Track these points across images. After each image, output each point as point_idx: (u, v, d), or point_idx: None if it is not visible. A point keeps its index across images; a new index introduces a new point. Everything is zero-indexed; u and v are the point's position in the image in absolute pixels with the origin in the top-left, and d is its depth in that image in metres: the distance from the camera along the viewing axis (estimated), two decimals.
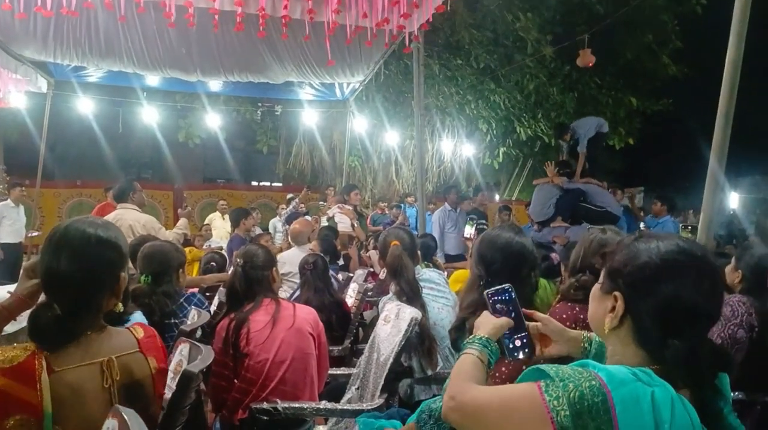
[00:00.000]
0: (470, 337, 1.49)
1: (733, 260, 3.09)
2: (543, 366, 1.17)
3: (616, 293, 1.23)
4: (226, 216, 9.43)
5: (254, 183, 18.52)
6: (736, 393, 2.81)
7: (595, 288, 1.33)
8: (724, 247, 8.81)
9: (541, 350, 1.55)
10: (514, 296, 1.52)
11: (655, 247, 1.21)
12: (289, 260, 5.02)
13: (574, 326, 2.07)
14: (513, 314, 1.50)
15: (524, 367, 2.02)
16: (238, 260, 2.80)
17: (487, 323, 1.51)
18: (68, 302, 1.49)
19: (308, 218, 7.48)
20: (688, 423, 1.08)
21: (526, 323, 1.54)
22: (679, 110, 13.74)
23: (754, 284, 2.94)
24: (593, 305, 1.34)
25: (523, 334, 1.50)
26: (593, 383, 1.08)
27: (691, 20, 12.32)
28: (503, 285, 1.55)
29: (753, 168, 20.50)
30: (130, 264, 1.89)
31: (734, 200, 18.61)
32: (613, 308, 1.23)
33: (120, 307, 1.61)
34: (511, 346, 1.50)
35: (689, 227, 8.21)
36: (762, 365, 2.86)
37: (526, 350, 1.51)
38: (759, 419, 2.84)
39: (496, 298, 1.53)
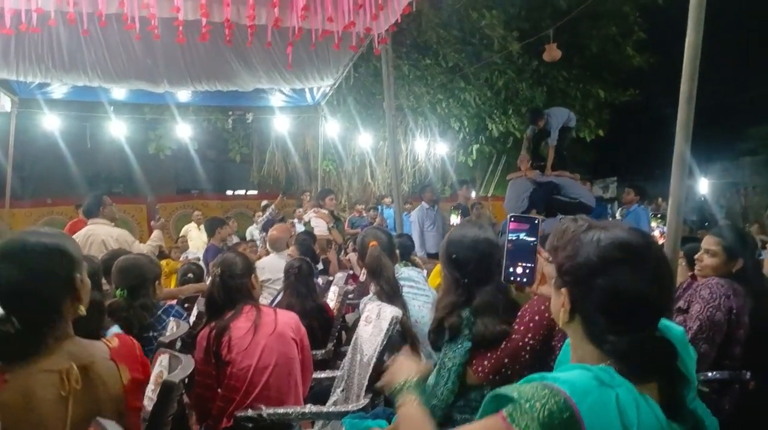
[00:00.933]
0: (400, 383, 1.50)
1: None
2: (501, 390, 1.15)
3: (563, 290, 1.24)
4: (202, 226, 9.35)
5: (229, 192, 18.36)
6: (715, 373, 2.86)
7: (552, 282, 1.33)
8: (697, 232, 8.98)
9: (537, 285, 1.56)
10: (537, 228, 1.55)
11: (596, 240, 1.20)
12: (268, 267, 4.99)
13: (552, 317, 2.09)
14: (530, 244, 1.54)
15: (505, 360, 2.04)
16: (216, 270, 2.77)
17: (406, 369, 1.54)
18: (25, 313, 1.47)
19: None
20: (655, 421, 1.09)
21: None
22: (647, 100, 14.00)
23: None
24: (552, 298, 1.34)
25: (529, 264, 1.54)
26: (558, 398, 1.07)
27: (652, 11, 12.55)
28: (533, 216, 1.58)
29: (722, 154, 20.92)
30: (104, 279, 1.87)
31: (704, 186, 18.94)
32: (564, 304, 1.24)
33: (82, 310, 1.59)
34: (511, 269, 1.54)
35: (660, 215, 8.36)
36: (743, 346, 2.93)
37: (525, 280, 1.54)
38: (738, 397, 2.90)
39: (520, 223, 1.56)
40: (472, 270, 2.14)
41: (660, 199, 11.72)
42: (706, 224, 12.64)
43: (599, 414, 1.06)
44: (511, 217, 1.57)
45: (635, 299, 1.15)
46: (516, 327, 2.08)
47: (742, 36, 16.40)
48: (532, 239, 1.54)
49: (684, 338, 1.24)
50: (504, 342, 2.06)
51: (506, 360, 2.03)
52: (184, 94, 8.34)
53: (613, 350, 1.16)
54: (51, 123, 9.53)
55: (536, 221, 1.56)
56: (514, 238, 1.54)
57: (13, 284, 1.48)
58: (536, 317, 2.07)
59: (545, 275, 1.56)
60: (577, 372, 1.14)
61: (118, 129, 10.60)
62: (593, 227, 1.26)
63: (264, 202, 8.11)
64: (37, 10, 4.58)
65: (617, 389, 1.09)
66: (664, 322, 1.23)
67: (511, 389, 1.13)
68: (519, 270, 1.54)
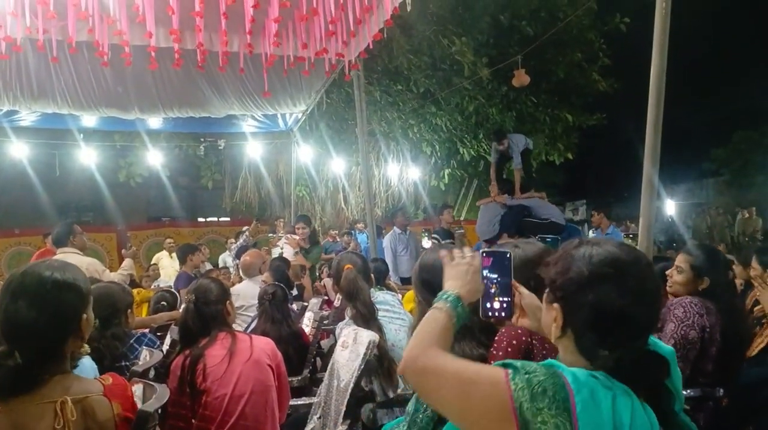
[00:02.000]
0: (443, 291, 1.48)
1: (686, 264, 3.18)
2: (509, 360, 1.18)
3: (555, 305, 1.25)
4: (174, 254, 9.22)
5: (201, 219, 18.18)
6: (689, 391, 2.90)
7: (544, 297, 1.34)
8: (666, 251, 9.16)
9: (517, 319, 1.56)
10: (511, 262, 1.55)
11: (588, 256, 1.22)
12: (242, 294, 4.94)
13: (530, 340, 2.10)
14: (505, 278, 1.53)
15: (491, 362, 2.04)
16: (190, 296, 2.74)
17: (462, 280, 1.50)
18: (31, 350, 1.45)
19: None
20: (648, 428, 1.12)
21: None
22: (613, 124, 14.30)
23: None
24: (543, 314, 1.35)
25: (507, 298, 1.54)
26: (557, 380, 1.10)
27: (616, 38, 12.90)
28: (504, 250, 1.58)
29: (686, 176, 21.46)
30: None
31: (671, 207, 19.35)
32: (556, 319, 1.25)
33: (87, 349, 1.58)
34: (489, 305, 1.53)
35: (631, 236, 8.51)
36: (715, 362, 2.98)
37: (503, 315, 1.54)
38: (712, 414, 2.94)
39: (493, 258, 1.55)
40: None
41: (628, 221, 11.93)
42: (674, 244, 12.89)
43: (592, 407, 1.08)
44: (483, 252, 1.57)
45: (625, 314, 1.16)
46: (494, 352, 2.07)
47: (704, 58, 16.94)
48: (507, 273, 1.54)
49: (673, 356, 1.26)
50: None
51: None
52: (155, 121, 8.28)
53: (603, 364, 1.17)
54: (19, 151, 9.39)
55: (508, 255, 1.56)
56: (488, 274, 1.54)
57: (22, 320, 1.45)
58: (513, 342, 2.07)
59: (524, 308, 1.57)
60: (581, 370, 1.16)
61: (87, 157, 10.46)
62: (585, 243, 1.28)
63: (245, 228, 8.04)
64: (6, 38, 4.54)
65: (616, 391, 1.11)
66: (653, 340, 1.25)
67: (518, 362, 1.16)
68: (497, 305, 1.54)
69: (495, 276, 1.54)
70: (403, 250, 7.65)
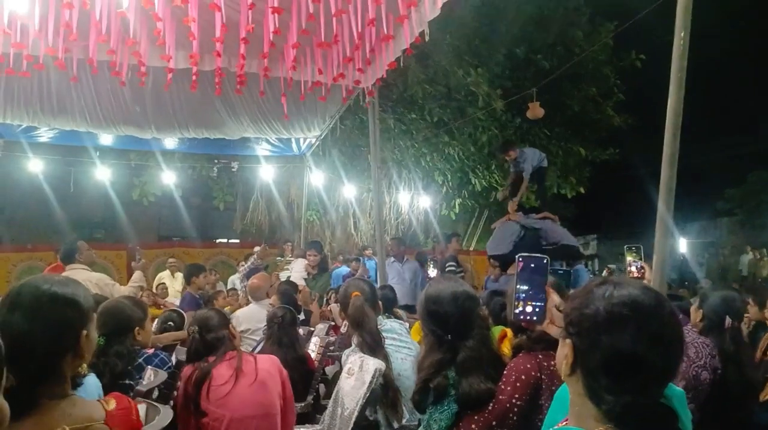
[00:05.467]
0: None
1: (697, 300, 3.18)
2: None
3: (568, 341, 1.20)
4: (177, 274, 9.19)
5: (211, 240, 18.24)
6: None
7: (560, 331, 1.30)
8: (677, 290, 9.06)
9: (546, 324, 1.51)
10: (548, 267, 1.54)
11: (607, 296, 1.16)
12: (247, 317, 4.92)
13: (539, 375, 2.06)
14: (538, 283, 1.52)
15: (493, 423, 2.00)
16: (194, 328, 2.76)
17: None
18: (25, 368, 1.36)
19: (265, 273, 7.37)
20: None
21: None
22: (627, 159, 14.29)
23: (713, 324, 3.03)
24: (558, 347, 1.29)
25: (539, 303, 1.51)
26: None
27: (631, 74, 12.97)
28: (541, 255, 1.56)
29: (699, 214, 21.30)
30: None
31: (683, 245, 19.19)
32: (567, 356, 1.20)
33: (85, 368, 1.51)
34: (520, 308, 1.51)
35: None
36: (723, 406, 2.92)
37: (534, 319, 1.51)
38: None
39: (530, 262, 1.54)
40: (454, 325, 2.12)
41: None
42: (686, 283, 12.77)
43: None
44: (519, 257, 1.56)
45: (639, 361, 1.10)
46: (502, 387, 2.04)
47: (721, 97, 16.95)
48: (542, 278, 1.53)
49: (683, 398, 1.21)
50: (491, 403, 2.02)
51: (494, 423, 1.99)
52: (170, 141, 8.38)
53: (610, 411, 1.12)
54: (35, 167, 9.50)
55: (545, 260, 1.55)
56: (523, 277, 1.53)
57: (15, 333, 1.37)
58: (522, 377, 2.04)
59: (554, 316, 1.53)
60: None
61: (102, 174, 10.58)
62: (608, 281, 1.21)
63: (256, 248, 8.04)
64: (27, 57, 4.62)
65: None
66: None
67: None
68: (528, 309, 1.51)
69: (529, 280, 1.53)
70: (395, 279, 7.49)
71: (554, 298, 1.51)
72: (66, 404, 1.44)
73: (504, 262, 7.00)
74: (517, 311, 1.52)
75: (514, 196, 7.45)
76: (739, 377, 2.94)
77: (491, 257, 7.26)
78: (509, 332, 2.45)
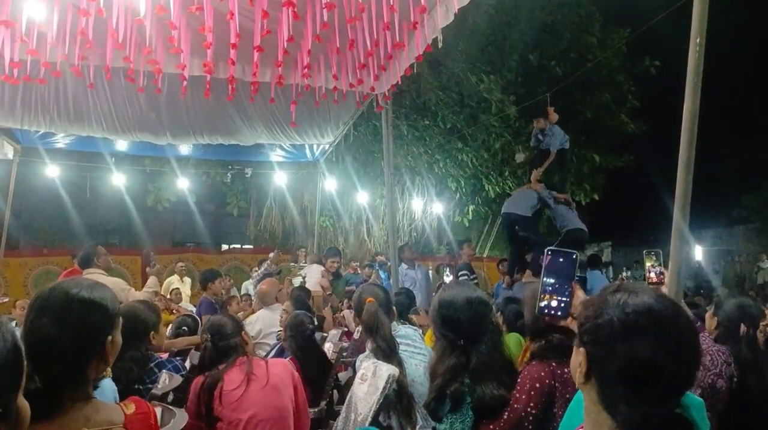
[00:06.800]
0: None
1: (712, 307, 3.16)
2: None
3: (582, 349, 1.18)
4: (186, 279, 9.22)
5: (224, 246, 18.32)
6: None
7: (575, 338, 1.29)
8: (693, 297, 8.98)
9: (571, 321, 1.51)
10: (576, 263, 1.54)
11: (621, 304, 1.14)
12: (260, 322, 4.93)
13: (553, 383, 2.05)
14: (566, 278, 1.52)
15: None
16: (206, 336, 2.77)
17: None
18: (52, 370, 1.38)
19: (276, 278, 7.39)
20: None
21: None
22: (641, 166, 14.17)
23: (728, 331, 3.00)
24: (572, 355, 1.28)
25: (565, 298, 1.51)
26: None
27: (645, 80, 12.89)
28: (571, 250, 1.56)
29: (715, 221, 21.10)
30: None
31: (698, 253, 19.01)
32: (581, 364, 1.18)
33: (109, 373, 1.52)
34: (546, 303, 1.52)
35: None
36: (743, 415, 2.88)
37: (559, 314, 1.51)
38: None
39: (558, 257, 1.54)
40: (467, 330, 2.12)
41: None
42: (702, 290, 12.65)
43: None
44: (548, 250, 1.55)
45: (657, 370, 1.07)
46: (517, 395, 2.04)
47: (736, 103, 16.80)
48: (569, 272, 1.52)
49: (702, 408, 1.19)
50: (506, 412, 2.01)
51: None
52: (185, 147, 8.45)
53: (625, 421, 1.10)
54: (52, 172, 9.62)
55: (574, 256, 1.54)
56: (550, 271, 1.53)
57: (44, 337, 1.39)
58: (537, 385, 2.03)
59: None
60: None
61: (118, 180, 10.68)
62: (623, 288, 1.19)
63: (271, 254, 8.07)
64: (45, 64, 4.69)
65: None
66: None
67: None
68: (554, 303, 1.52)
69: (556, 274, 1.53)
70: (411, 286, 7.48)
71: (579, 294, 1.51)
72: (89, 407, 1.46)
73: (518, 224, 7.05)
74: (542, 304, 1.52)
75: (539, 167, 7.43)
76: (758, 384, 2.90)
77: (506, 214, 7.29)
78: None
